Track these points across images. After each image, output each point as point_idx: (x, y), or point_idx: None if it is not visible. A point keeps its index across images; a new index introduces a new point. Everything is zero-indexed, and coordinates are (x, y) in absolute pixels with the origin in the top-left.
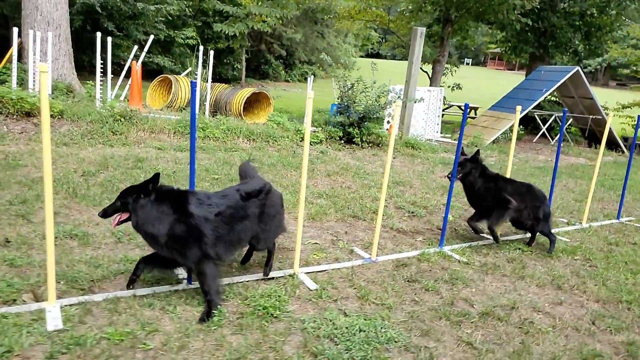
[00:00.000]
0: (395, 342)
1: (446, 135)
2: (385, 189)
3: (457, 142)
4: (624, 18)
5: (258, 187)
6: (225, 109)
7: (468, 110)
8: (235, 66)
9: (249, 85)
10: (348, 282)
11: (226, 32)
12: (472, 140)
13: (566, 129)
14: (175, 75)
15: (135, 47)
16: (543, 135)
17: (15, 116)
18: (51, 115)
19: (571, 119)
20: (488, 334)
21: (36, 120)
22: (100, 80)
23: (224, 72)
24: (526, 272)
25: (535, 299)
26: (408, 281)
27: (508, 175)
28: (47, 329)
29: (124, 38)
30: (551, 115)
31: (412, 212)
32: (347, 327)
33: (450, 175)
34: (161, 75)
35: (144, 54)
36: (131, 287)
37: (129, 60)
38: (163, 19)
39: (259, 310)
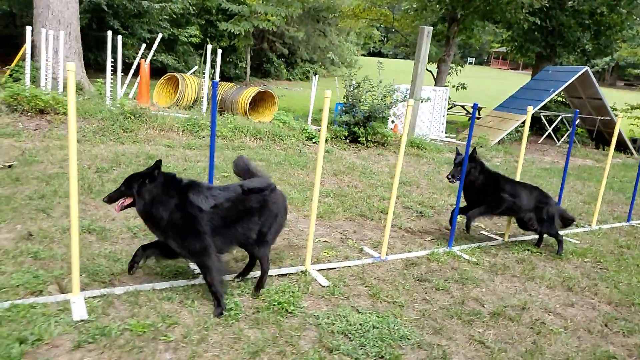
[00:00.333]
0: (408, 339)
1: (451, 135)
2: (396, 188)
3: (460, 142)
4: (634, 17)
5: (261, 184)
6: (231, 108)
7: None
8: (238, 65)
9: (252, 84)
10: (359, 280)
11: (231, 31)
12: (477, 141)
13: None
14: (182, 74)
15: (144, 45)
16: (549, 136)
17: (29, 113)
18: (63, 113)
19: (578, 120)
20: (500, 333)
21: (50, 117)
22: (110, 78)
23: (226, 70)
24: (536, 273)
25: (546, 300)
26: (418, 280)
27: (517, 178)
28: (73, 319)
29: (129, 36)
30: (557, 116)
31: (420, 212)
32: (360, 324)
33: (450, 176)
34: (168, 74)
35: (152, 52)
36: (131, 272)
37: (137, 59)
38: (167, 17)
39: (274, 305)
